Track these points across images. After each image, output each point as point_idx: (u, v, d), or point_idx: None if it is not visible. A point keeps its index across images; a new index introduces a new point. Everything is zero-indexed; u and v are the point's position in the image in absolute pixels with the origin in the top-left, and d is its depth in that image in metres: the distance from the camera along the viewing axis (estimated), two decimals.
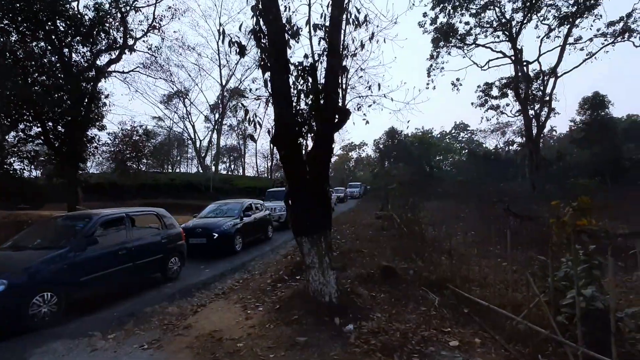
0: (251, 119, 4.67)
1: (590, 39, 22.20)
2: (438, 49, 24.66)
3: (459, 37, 24.32)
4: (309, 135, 4.81)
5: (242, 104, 10.17)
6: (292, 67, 4.60)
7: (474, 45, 24.96)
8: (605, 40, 21.71)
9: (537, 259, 4.14)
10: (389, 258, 7.12)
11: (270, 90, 4.56)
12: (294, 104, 4.65)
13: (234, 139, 51.32)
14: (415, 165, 37.76)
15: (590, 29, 22.03)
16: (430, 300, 4.83)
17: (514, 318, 3.31)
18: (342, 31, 4.66)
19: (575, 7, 20.96)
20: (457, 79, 25.55)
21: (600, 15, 21.02)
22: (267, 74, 4.46)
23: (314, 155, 4.67)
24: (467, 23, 23.93)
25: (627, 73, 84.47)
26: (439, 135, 58.73)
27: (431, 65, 25.03)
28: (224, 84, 37.64)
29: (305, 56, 4.70)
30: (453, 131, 61.38)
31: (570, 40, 22.79)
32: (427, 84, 24.94)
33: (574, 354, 2.58)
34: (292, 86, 4.66)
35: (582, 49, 23.01)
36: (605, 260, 2.94)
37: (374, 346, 3.53)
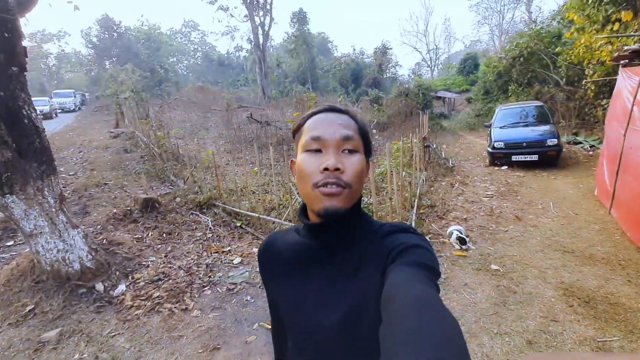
0: None
1: None
2: None
3: None
4: None
5: None
6: None
7: None
8: None
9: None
10: (145, 186, 6.29)
11: None
12: None
13: None
14: (147, 68, 27.64)
15: None
16: (204, 223, 4.87)
17: (279, 222, 3.86)
18: None
19: None
20: None
21: None
22: None
23: None
24: None
25: None
26: (168, 33, 44.87)
27: None
28: None
29: None
30: (183, 29, 49.22)
31: None
32: None
33: None
34: None
35: None
36: None
37: (159, 298, 3.19)
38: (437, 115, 18.42)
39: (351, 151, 0.65)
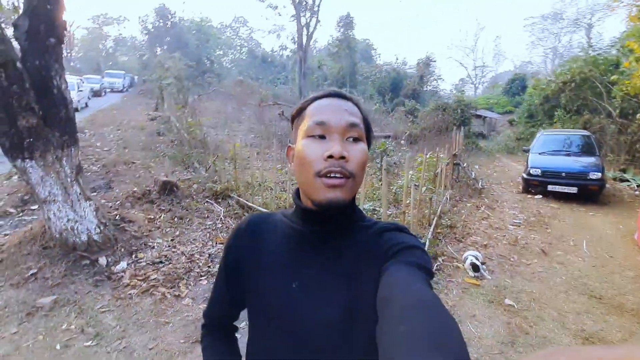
0: None
1: None
2: None
3: None
4: None
5: None
6: None
7: None
8: None
9: None
10: (168, 169, 6.47)
11: None
12: None
13: None
14: (194, 58, 27.76)
15: None
16: (216, 213, 4.84)
17: None
18: None
19: None
20: None
21: None
22: None
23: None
24: None
25: None
26: (219, 26, 45.20)
27: None
28: None
29: None
30: (233, 24, 49.70)
31: None
32: None
33: None
34: None
35: None
36: None
37: (155, 280, 3.17)
38: (475, 134, 17.73)
39: (355, 139, 0.62)
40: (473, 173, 8.80)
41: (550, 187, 6.98)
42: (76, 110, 13.55)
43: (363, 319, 0.58)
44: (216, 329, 0.82)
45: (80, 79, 16.36)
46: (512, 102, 26.62)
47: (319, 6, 23.96)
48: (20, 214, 4.67)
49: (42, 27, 3.16)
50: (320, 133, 0.61)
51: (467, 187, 7.73)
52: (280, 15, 29.41)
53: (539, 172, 7.24)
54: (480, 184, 8.03)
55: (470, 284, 3.60)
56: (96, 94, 19.30)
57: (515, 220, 5.77)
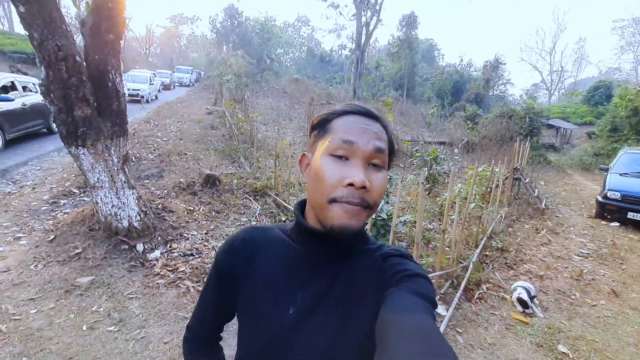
0: None
1: None
2: None
3: None
4: None
5: None
6: None
7: None
8: None
9: None
10: (215, 162, 6.71)
11: None
12: None
13: None
14: (255, 56, 29.26)
15: None
16: (252, 210, 4.89)
17: None
18: None
19: None
20: None
21: None
22: None
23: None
24: None
25: None
26: (281, 25, 46.00)
27: None
28: None
29: None
30: (296, 23, 51.67)
31: None
32: None
33: None
34: None
35: None
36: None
37: (182, 273, 3.22)
38: (545, 146, 16.10)
39: (377, 166, 0.59)
40: (536, 190, 7.90)
41: (630, 215, 5.99)
42: (147, 101, 14.99)
43: (357, 346, 0.58)
44: (204, 342, 0.79)
45: (153, 74, 17.79)
46: (593, 112, 23.82)
47: (380, 4, 23.35)
48: (82, 195, 5.10)
49: (103, 23, 3.35)
50: (343, 154, 0.57)
51: (527, 206, 6.97)
52: (341, 14, 29.08)
53: (618, 195, 6.26)
54: (543, 203, 7.18)
55: (517, 320, 3.16)
56: (166, 87, 20.96)
57: (582, 250, 5.03)
